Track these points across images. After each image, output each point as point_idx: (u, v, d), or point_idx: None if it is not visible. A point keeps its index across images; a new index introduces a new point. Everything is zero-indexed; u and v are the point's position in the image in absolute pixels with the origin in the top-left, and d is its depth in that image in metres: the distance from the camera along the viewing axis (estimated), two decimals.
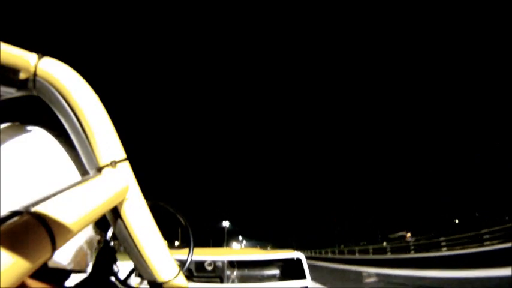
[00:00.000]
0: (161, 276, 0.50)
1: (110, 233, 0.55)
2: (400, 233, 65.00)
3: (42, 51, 0.44)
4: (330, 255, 31.09)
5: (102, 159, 0.45)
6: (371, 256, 19.18)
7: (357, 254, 23.04)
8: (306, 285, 1.42)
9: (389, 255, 16.31)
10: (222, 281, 1.45)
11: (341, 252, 29.85)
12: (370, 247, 23.71)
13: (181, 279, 0.52)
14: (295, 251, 1.56)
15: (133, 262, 0.50)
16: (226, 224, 79.86)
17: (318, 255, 37.07)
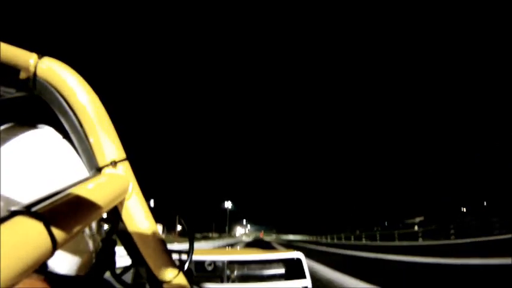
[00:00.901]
0: (161, 276, 0.50)
1: (110, 233, 0.54)
2: (418, 218, 60.89)
3: (42, 51, 0.43)
4: (365, 242, 24.79)
5: (102, 159, 0.45)
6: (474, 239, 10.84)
7: (420, 240, 16.15)
8: (306, 285, 1.41)
9: None
10: (222, 281, 1.44)
11: (386, 238, 20.62)
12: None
13: (181, 279, 0.52)
14: (295, 251, 1.53)
15: (133, 262, 0.50)
16: (228, 204, 74.71)
17: (345, 241, 31.61)
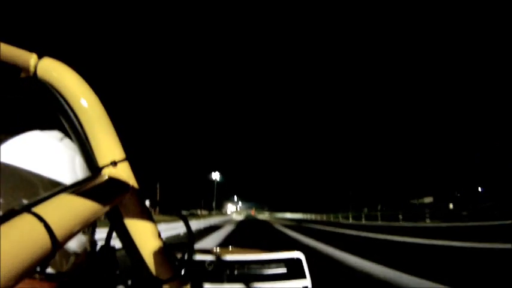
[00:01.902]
0: (161, 276, 0.50)
1: (109, 233, 0.54)
2: (427, 199, 55.76)
3: (42, 52, 0.43)
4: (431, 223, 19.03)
5: (102, 159, 0.45)
6: None
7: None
8: (306, 285, 1.39)
9: None
10: (221, 281, 1.42)
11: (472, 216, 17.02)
12: None
13: (181, 280, 0.52)
14: (296, 251, 1.51)
15: (133, 262, 0.51)
16: (216, 176, 67.21)
17: (382, 222, 24.79)
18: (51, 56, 0.44)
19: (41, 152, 0.45)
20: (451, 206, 28.91)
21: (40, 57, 0.42)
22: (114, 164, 0.45)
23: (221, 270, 1.46)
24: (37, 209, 0.29)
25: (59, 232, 0.29)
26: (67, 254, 0.43)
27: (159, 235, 0.50)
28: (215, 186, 60.67)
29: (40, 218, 0.28)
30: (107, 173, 0.44)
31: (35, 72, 0.42)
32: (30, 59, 0.41)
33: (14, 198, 0.39)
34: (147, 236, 0.48)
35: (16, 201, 0.38)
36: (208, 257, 1.50)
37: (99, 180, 0.41)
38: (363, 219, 27.65)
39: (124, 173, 0.46)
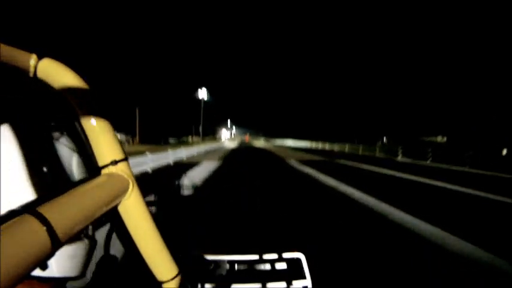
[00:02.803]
0: (160, 276, 0.50)
1: (109, 233, 0.54)
2: (441, 138, 50.75)
3: (41, 52, 0.44)
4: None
5: (102, 160, 0.45)
6: None
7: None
8: (306, 285, 1.37)
9: None
10: (221, 281, 1.40)
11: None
12: None
13: (181, 279, 0.53)
14: (296, 251, 1.49)
15: (133, 262, 0.51)
16: (203, 94, 58.93)
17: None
18: (51, 56, 0.44)
19: (41, 151, 0.44)
20: (504, 151, 23.48)
21: (40, 58, 0.42)
22: (114, 163, 0.45)
23: (221, 270, 1.47)
24: (37, 209, 0.29)
25: (58, 232, 0.29)
26: (67, 254, 0.43)
27: (159, 235, 0.50)
28: (202, 106, 52.81)
29: (40, 218, 0.28)
30: (106, 172, 0.45)
31: (34, 73, 0.42)
32: (30, 59, 0.41)
33: (14, 198, 0.38)
34: (147, 235, 0.48)
35: (16, 201, 0.37)
36: (208, 257, 1.47)
37: (98, 180, 0.41)
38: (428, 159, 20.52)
39: (124, 172, 0.46)
